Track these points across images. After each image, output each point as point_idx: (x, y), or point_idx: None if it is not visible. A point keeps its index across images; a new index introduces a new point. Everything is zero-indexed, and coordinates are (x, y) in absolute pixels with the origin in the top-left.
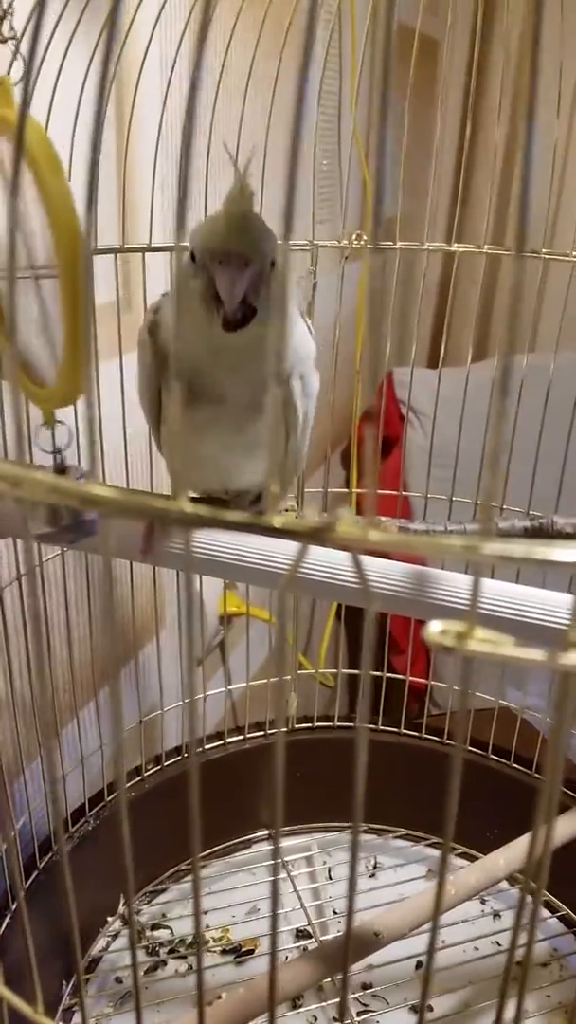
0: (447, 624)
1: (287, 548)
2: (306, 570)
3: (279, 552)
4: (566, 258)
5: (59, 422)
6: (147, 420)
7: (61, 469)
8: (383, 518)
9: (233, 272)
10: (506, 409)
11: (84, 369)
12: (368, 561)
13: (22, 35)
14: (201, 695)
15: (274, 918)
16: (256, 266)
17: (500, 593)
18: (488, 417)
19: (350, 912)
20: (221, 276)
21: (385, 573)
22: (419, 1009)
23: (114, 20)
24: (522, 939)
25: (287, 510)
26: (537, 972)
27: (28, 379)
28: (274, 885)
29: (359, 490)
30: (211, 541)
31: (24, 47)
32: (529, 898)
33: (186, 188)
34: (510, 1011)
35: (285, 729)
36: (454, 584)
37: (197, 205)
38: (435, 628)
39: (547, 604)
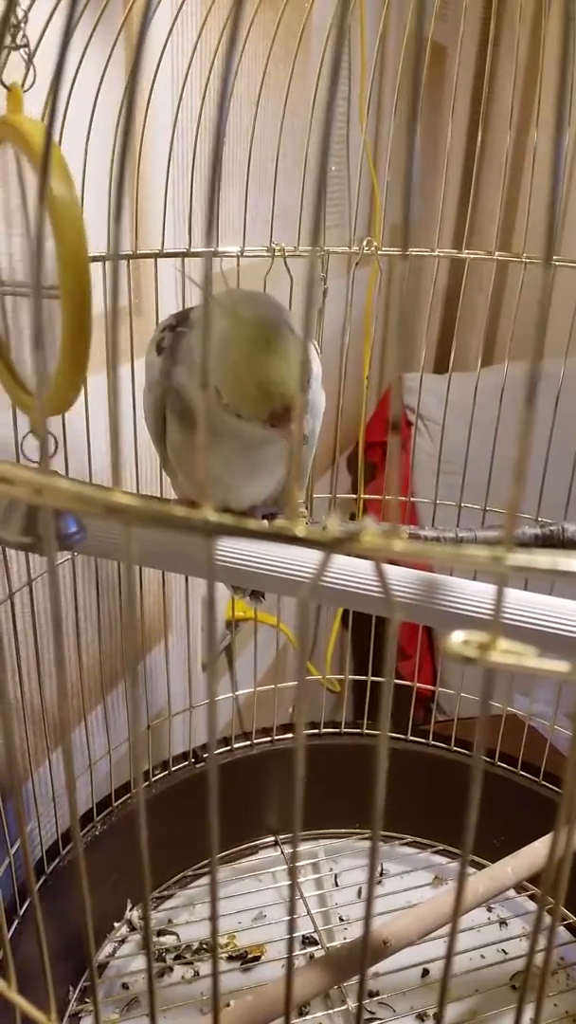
0: (469, 634)
1: (308, 557)
2: (327, 579)
3: (300, 561)
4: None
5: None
6: (151, 437)
7: None
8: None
9: (285, 426)
10: (526, 418)
11: (83, 379)
12: (388, 570)
13: (37, 44)
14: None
15: (291, 923)
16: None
17: (515, 601)
18: (497, 423)
19: (368, 918)
20: (277, 433)
21: (402, 581)
22: (437, 1018)
23: (142, 39)
24: (535, 947)
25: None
26: None
27: (19, 388)
28: (291, 890)
29: (367, 496)
30: (232, 549)
31: (38, 57)
32: (547, 914)
33: (214, 199)
34: (523, 1022)
35: (291, 736)
36: (471, 592)
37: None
38: (457, 638)
39: (562, 612)
